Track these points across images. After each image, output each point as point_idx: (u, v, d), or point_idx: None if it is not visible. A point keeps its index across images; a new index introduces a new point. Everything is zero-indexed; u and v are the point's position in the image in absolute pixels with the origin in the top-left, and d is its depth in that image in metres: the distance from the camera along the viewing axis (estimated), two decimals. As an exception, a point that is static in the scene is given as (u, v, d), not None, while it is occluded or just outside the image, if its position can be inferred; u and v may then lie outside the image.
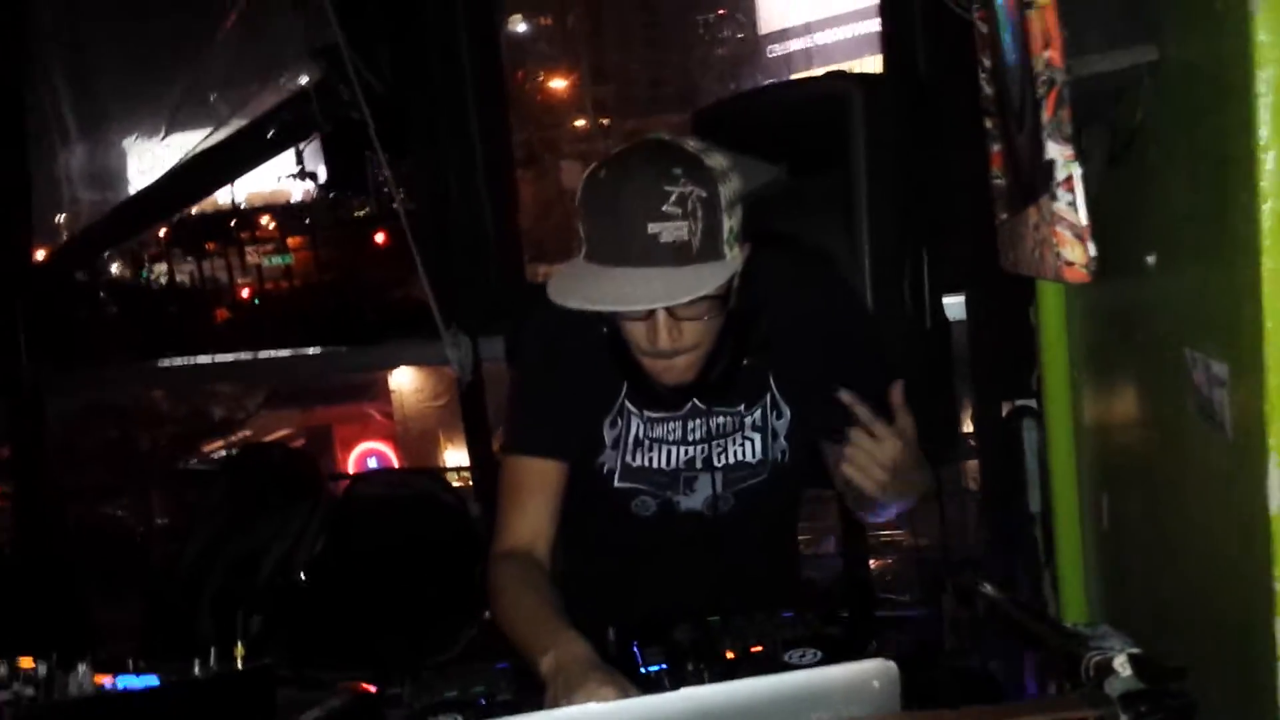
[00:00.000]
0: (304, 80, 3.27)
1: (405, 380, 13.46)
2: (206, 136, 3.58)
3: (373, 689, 1.59)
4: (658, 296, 1.41)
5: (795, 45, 16.63)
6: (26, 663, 1.39)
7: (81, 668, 1.37)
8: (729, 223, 1.43)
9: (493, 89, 3.24)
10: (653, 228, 1.38)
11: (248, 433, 13.48)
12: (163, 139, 3.90)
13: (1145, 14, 1.23)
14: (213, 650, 1.43)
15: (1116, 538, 1.65)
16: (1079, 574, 1.80)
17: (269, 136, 3.31)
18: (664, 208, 1.38)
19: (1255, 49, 0.99)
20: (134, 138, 4.75)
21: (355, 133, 3.15)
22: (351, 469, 10.39)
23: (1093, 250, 1.05)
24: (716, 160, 1.45)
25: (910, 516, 2.55)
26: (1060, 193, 1.05)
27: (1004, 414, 2.27)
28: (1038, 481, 2.07)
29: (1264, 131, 1.00)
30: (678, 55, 19.35)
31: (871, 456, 1.40)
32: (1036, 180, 1.27)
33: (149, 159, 4.69)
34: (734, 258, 1.45)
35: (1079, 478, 1.76)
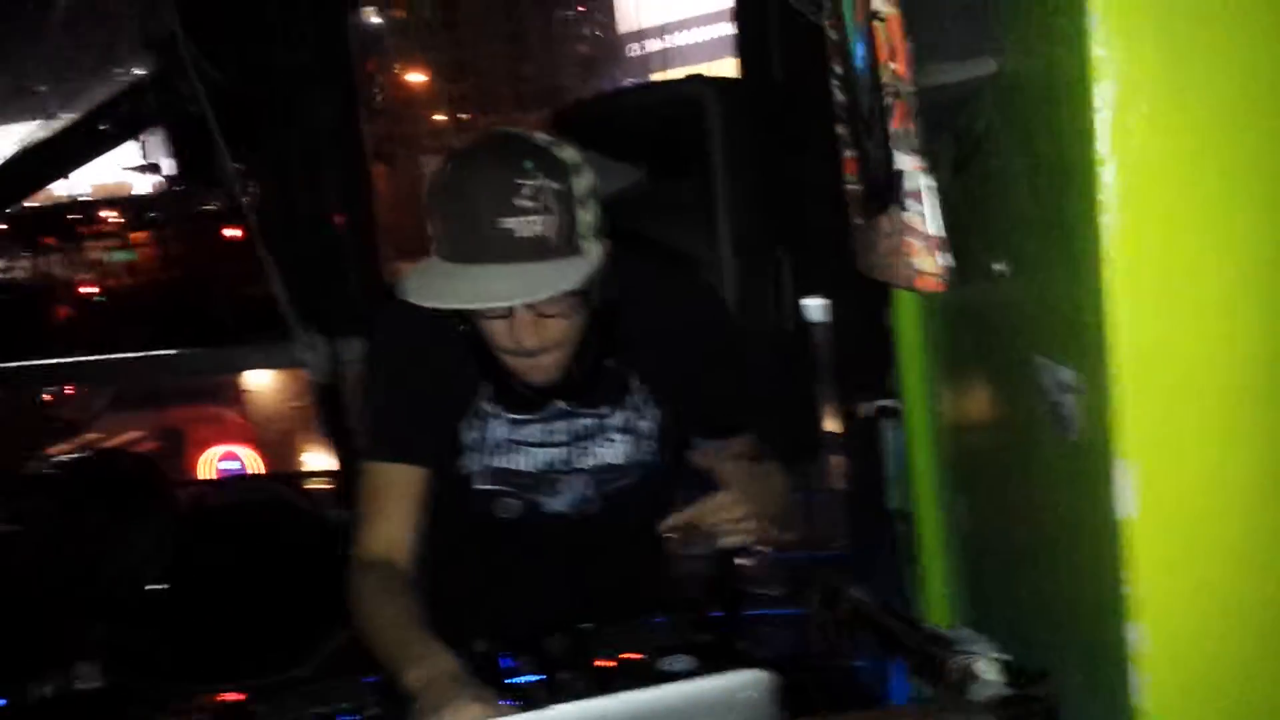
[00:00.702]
0: (140, 72, 3.12)
1: (264, 380, 13.05)
2: (35, 130, 3.39)
3: (241, 697, 1.51)
4: (517, 293, 1.38)
5: (653, 46, 16.77)
6: None
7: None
8: (585, 217, 1.42)
9: (341, 80, 3.16)
10: (506, 223, 1.36)
11: (93, 436, 12.88)
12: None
13: (986, 26, 1.26)
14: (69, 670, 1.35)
15: (975, 540, 1.68)
16: (940, 575, 1.83)
17: (103, 129, 3.15)
18: (516, 201, 1.36)
19: (1092, 63, 1.01)
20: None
21: (203, 124, 3.03)
22: (206, 473, 10.02)
23: (943, 260, 1.06)
24: (568, 153, 1.43)
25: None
26: (910, 204, 1.06)
27: (863, 414, 2.32)
28: (897, 481, 2.11)
29: (1101, 146, 1.02)
30: (536, 52, 19.31)
31: (733, 522, 1.46)
32: (887, 189, 1.30)
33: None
34: (593, 253, 1.43)
35: (938, 478, 1.80)
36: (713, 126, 2.17)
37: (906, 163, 1.05)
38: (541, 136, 1.45)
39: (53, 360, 4.14)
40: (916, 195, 1.04)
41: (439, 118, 19.33)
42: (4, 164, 3.31)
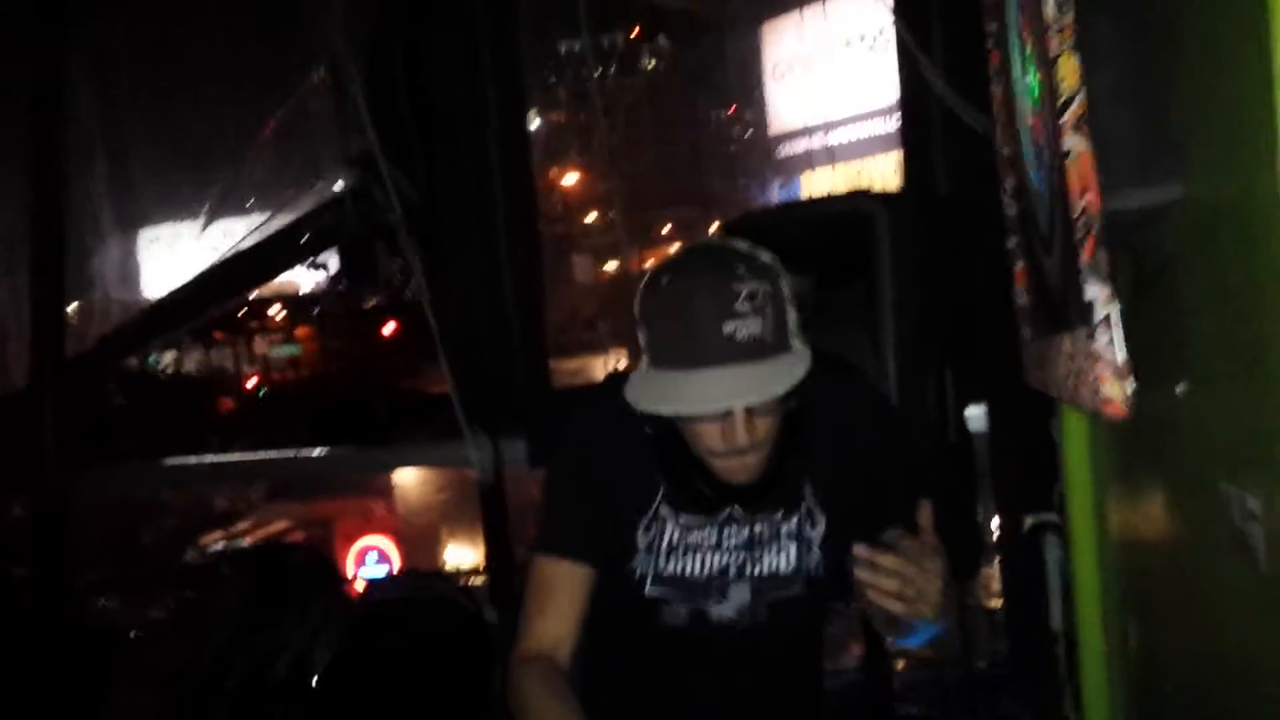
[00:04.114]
0: (339, 186, 3.36)
1: (408, 474, 13.40)
2: (242, 239, 3.66)
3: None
4: (742, 394, 1.43)
5: (803, 146, 16.95)
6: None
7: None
8: (793, 315, 1.47)
9: (521, 190, 3.32)
10: (727, 327, 1.41)
11: (248, 525, 13.39)
12: (201, 234, 3.98)
13: (1171, 149, 1.28)
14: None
15: (1144, 662, 1.64)
16: (1104, 696, 1.79)
17: (304, 240, 3.40)
18: (734, 306, 1.41)
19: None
20: (161, 234, 4.85)
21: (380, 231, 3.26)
22: (352, 565, 10.29)
23: (1131, 387, 1.08)
24: (769, 256, 1.49)
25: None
26: (1099, 332, 1.09)
27: (1025, 528, 2.28)
28: (1060, 598, 2.07)
29: (1295, 276, 1.03)
30: (686, 152, 19.71)
31: (903, 582, 1.39)
32: (1069, 310, 1.32)
33: (171, 252, 4.77)
34: (802, 350, 1.48)
35: (1105, 599, 1.76)
36: (879, 239, 2.21)
37: (1097, 292, 1.08)
38: (742, 243, 1.50)
39: (223, 458, 4.29)
40: (1106, 324, 1.07)
41: (590, 218, 19.86)
42: (217, 266, 3.59)
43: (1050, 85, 1.18)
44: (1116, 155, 1.28)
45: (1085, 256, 1.09)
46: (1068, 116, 1.09)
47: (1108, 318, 1.08)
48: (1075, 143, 1.08)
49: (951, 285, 2.45)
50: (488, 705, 2.73)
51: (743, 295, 1.41)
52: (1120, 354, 1.08)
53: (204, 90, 4.13)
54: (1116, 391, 1.08)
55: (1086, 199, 1.08)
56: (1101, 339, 1.08)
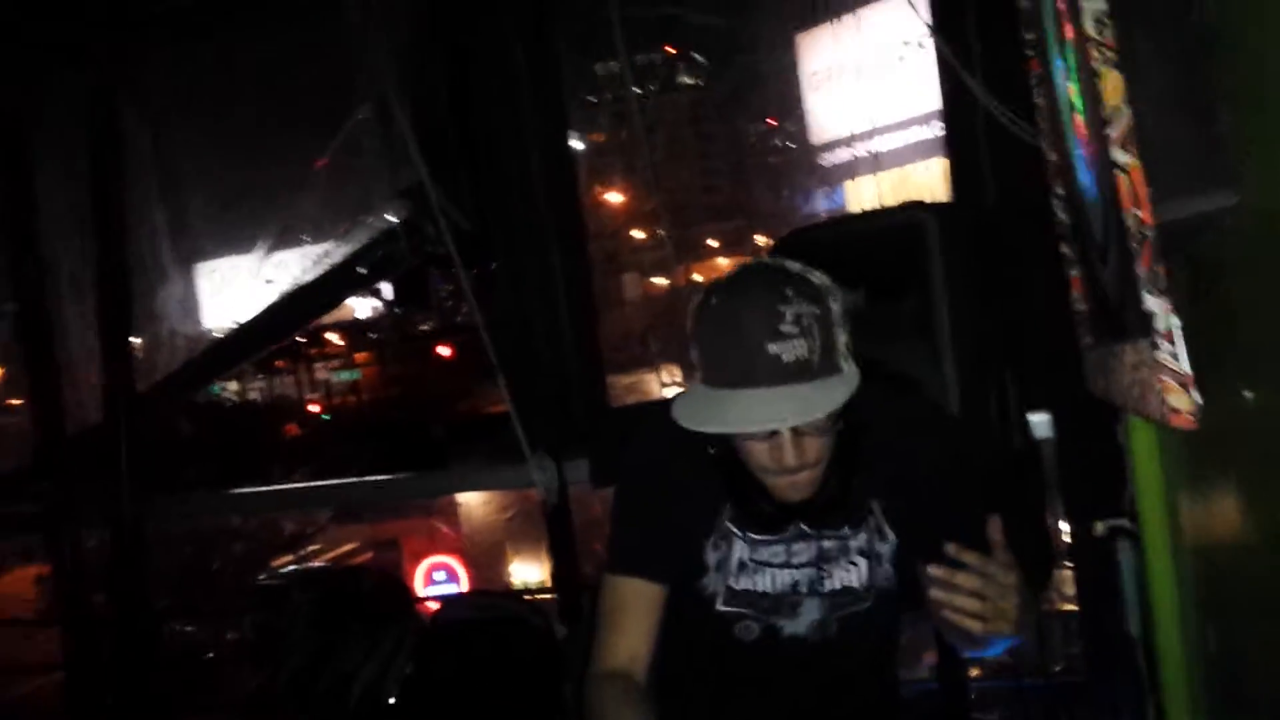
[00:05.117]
0: (390, 218, 3.43)
1: (472, 494, 13.53)
2: (300, 272, 3.75)
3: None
4: (785, 415, 1.45)
5: (845, 155, 16.85)
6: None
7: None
8: (842, 337, 1.49)
9: (569, 211, 3.37)
10: (773, 349, 1.43)
11: (317, 547, 13.59)
12: (259, 269, 4.08)
13: (1223, 157, 1.28)
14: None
15: (1224, 665, 1.62)
16: (1185, 700, 1.77)
17: (360, 271, 3.47)
18: (781, 327, 1.43)
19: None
20: (218, 268, 4.96)
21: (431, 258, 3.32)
22: (421, 583, 10.40)
23: (1197, 398, 1.08)
24: (820, 278, 1.50)
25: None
26: (1162, 343, 1.09)
27: (1097, 534, 2.26)
28: (1136, 604, 2.05)
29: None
30: (729, 166, 19.73)
31: (980, 601, 1.39)
32: (1128, 319, 1.31)
33: (228, 286, 4.87)
34: (851, 372, 1.49)
35: (1182, 604, 1.74)
36: (931, 250, 2.22)
37: (1156, 305, 1.08)
38: (794, 265, 1.51)
39: (290, 486, 4.36)
40: (1169, 336, 1.07)
41: (635, 234, 19.94)
42: (281, 300, 3.68)
43: (1094, 97, 1.18)
44: (1167, 163, 1.28)
45: (1142, 267, 1.10)
46: (1115, 133, 1.10)
47: (1169, 330, 1.08)
48: (1123, 158, 1.08)
49: (1007, 293, 2.45)
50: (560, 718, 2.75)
51: (790, 318, 1.43)
52: (1184, 365, 1.08)
53: (256, 131, 4.23)
54: (1184, 403, 1.08)
55: (1139, 212, 1.09)
56: (1164, 350, 1.09)
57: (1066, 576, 2.77)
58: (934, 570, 1.40)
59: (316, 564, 12.30)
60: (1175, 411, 1.09)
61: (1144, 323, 1.12)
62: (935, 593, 1.41)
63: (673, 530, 1.68)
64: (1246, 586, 1.49)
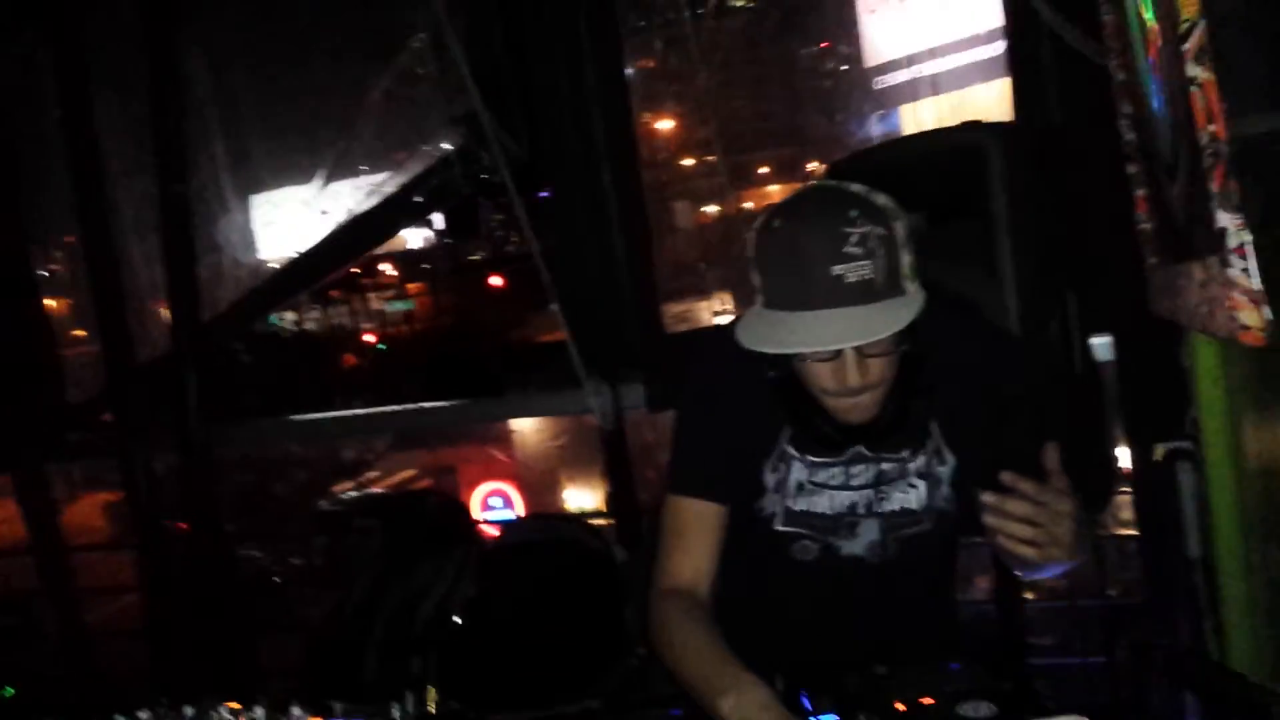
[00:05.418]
0: (445, 146, 3.45)
1: (526, 421, 13.69)
2: (355, 202, 3.79)
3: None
4: (849, 335, 1.45)
5: (902, 77, 16.48)
6: (235, 706, 1.49)
7: (295, 711, 1.47)
8: (906, 259, 1.48)
9: (623, 139, 3.36)
10: (836, 269, 1.43)
11: (376, 474, 13.86)
12: (314, 199, 4.13)
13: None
14: (409, 696, 1.52)
15: (1286, 586, 1.62)
16: (1246, 622, 1.77)
17: (416, 200, 3.49)
18: (845, 249, 1.43)
19: None
20: (275, 199, 5.02)
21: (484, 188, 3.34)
22: (478, 509, 10.59)
23: (1269, 314, 1.07)
24: (885, 200, 1.49)
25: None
26: (1234, 259, 1.08)
27: (1157, 456, 2.25)
28: (1196, 526, 2.05)
29: None
30: (783, 91, 19.41)
31: (1034, 528, 1.39)
32: (1197, 237, 1.30)
33: (285, 216, 4.93)
34: (915, 293, 1.49)
35: (1243, 525, 1.74)
36: (993, 172, 2.18)
37: (1228, 220, 1.07)
38: (858, 186, 1.51)
39: (349, 413, 4.44)
40: (1240, 251, 1.06)
41: (686, 162, 19.75)
42: (339, 230, 3.73)
43: (1169, 13, 1.16)
44: (1242, 79, 1.26)
45: (1215, 185, 1.08)
46: (1189, 46, 1.07)
47: (1241, 246, 1.07)
48: (1198, 72, 1.06)
49: (1069, 215, 2.41)
50: (620, 640, 2.81)
51: (854, 238, 1.43)
52: (1255, 282, 1.07)
53: (311, 62, 4.25)
54: (1254, 319, 1.07)
55: (1213, 128, 1.07)
56: (1236, 267, 1.08)
57: (1122, 501, 2.76)
58: (987, 497, 1.40)
59: (376, 490, 12.59)
60: (1245, 328, 1.08)
61: (1215, 240, 1.11)
62: (989, 518, 1.41)
63: (732, 452, 1.70)
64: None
